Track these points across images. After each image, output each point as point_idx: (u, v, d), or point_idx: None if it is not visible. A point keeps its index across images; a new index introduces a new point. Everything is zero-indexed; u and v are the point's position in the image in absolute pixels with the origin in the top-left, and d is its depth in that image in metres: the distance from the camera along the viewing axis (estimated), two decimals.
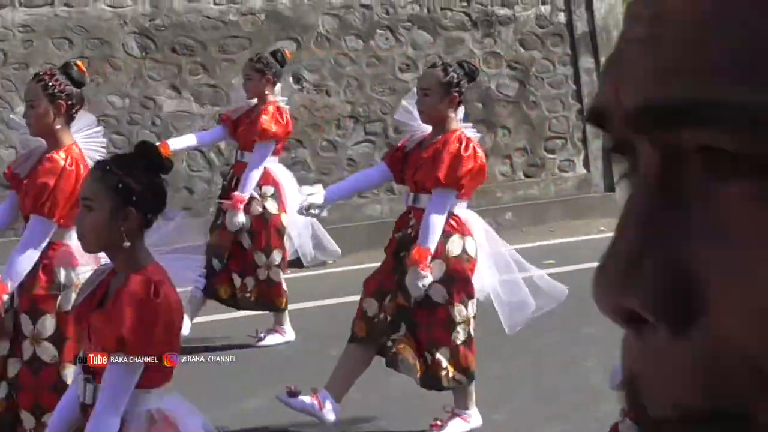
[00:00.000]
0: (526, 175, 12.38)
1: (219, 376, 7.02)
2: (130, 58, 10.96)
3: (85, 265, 4.94)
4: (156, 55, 11.06)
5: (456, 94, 5.69)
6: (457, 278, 5.67)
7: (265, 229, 7.69)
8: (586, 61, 12.57)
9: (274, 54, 7.98)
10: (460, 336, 5.66)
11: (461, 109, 5.93)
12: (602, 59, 12.55)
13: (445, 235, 5.65)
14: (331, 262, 8.06)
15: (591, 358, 6.90)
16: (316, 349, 7.33)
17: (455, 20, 12.17)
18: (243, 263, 7.74)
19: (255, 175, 7.64)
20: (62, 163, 4.89)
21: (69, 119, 4.99)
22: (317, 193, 6.00)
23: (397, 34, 11.96)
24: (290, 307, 7.88)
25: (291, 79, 11.51)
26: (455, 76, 5.68)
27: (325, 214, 6.18)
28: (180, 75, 11.16)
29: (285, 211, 7.69)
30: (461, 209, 5.82)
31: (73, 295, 4.94)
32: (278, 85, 8.03)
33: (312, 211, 5.99)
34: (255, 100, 7.82)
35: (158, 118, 11.07)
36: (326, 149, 11.67)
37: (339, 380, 5.88)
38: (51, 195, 4.83)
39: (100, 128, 5.23)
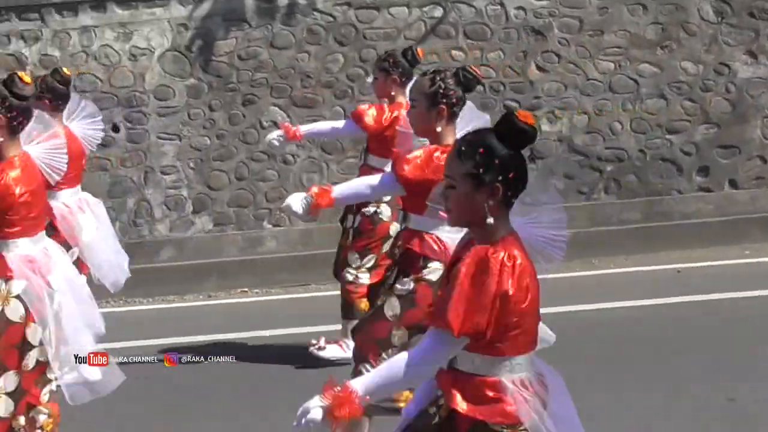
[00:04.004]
0: None
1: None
2: (705, 23, 10.74)
3: (20, 279, 4.95)
4: (732, 20, 10.76)
5: (444, 105, 5.15)
6: (416, 304, 5.20)
7: (371, 232, 7.25)
8: None
9: (404, 53, 7.33)
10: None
11: (467, 115, 5.30)
12: None
13: (426, 259, 5.25)
14: None
15: None
16: None
17: None
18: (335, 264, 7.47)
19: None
20: None
21: (12, 132, 4.97)
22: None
23: None
24: None
25: None
26: (442, 85, 5.17)
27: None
28: (757, 40, 10.78)
29: (396, 221, 7.11)
30: (448, 231, 5.14)
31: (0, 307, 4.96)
32: (410, 84, 7.37)
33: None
34: (386, 101, 7.30)
35: (732, 84, 10.77)
36: None
37: None
38: None
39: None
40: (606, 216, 10.69)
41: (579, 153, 10.81)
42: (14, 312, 4.91)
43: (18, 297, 4.93)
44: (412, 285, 5.26)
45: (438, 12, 10.64)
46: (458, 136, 5.45)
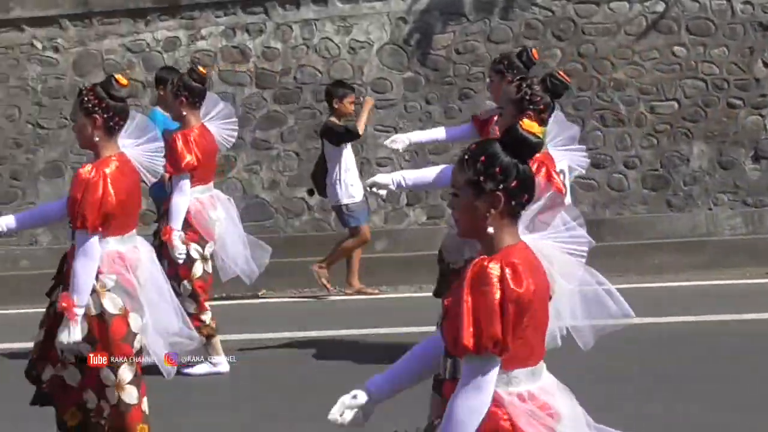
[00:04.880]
0: None
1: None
2: None
3: (110, 273, 5.01)
4: None
5: (531, 112, 5.10)
6: None
7: None
8: None
9: (519, 54, 6.95)
10: None
11: (554, 126, 5.09)
12: None
13: None
14: None
15: None
16: None
17: None
18: None
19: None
20: (87, 176, 5.00)
21: (108, 132, 5.09)
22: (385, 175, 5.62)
23: None
24: None
25: None
26: (529, 92, 5.18)
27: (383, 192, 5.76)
28: None
29: None
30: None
31: (92, 300, 4.96)
32: None
33: (375, 189, 5.65)
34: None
35: None
36: None
37: None
38: (80, 208, 4.96)
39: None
40: None
41: None
42: (113, 304, 5.06)
43: (111, 290, 5.08)
44: None
45: (660, 6, 10.44)
46: (548, 146, 5.51)
